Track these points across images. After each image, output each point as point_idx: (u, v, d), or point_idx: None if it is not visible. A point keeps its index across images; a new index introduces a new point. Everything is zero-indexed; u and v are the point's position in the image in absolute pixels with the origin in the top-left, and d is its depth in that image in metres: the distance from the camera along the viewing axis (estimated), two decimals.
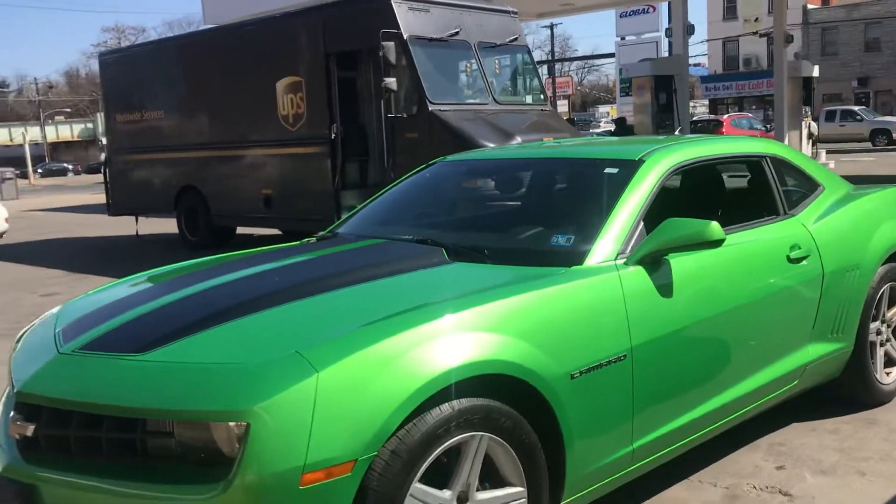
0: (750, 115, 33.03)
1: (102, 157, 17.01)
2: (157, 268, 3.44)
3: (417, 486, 2.18)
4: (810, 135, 21.03)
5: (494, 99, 9.39)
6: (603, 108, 64.99)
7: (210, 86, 11.13)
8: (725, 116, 28.37)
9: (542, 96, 10.40)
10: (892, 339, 4.10)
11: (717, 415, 3.13)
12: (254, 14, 19.57)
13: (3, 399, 2.83)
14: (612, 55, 44.55)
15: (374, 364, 2.13)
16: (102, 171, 14.28)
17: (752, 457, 3.53)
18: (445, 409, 2.21)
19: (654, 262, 2.87)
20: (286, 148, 10.14)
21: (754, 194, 3.75)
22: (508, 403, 2.37)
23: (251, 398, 2.01)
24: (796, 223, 3.62)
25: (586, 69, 78.37)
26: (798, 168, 3.90)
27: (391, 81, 8.53)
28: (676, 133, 8.81)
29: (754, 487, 3.25)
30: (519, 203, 3.46)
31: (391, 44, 8.50)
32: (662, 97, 16.81)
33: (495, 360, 2.32)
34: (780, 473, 3.37)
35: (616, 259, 2.84)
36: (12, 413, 2.37)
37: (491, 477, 2.40)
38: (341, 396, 2.06)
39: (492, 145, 8.25)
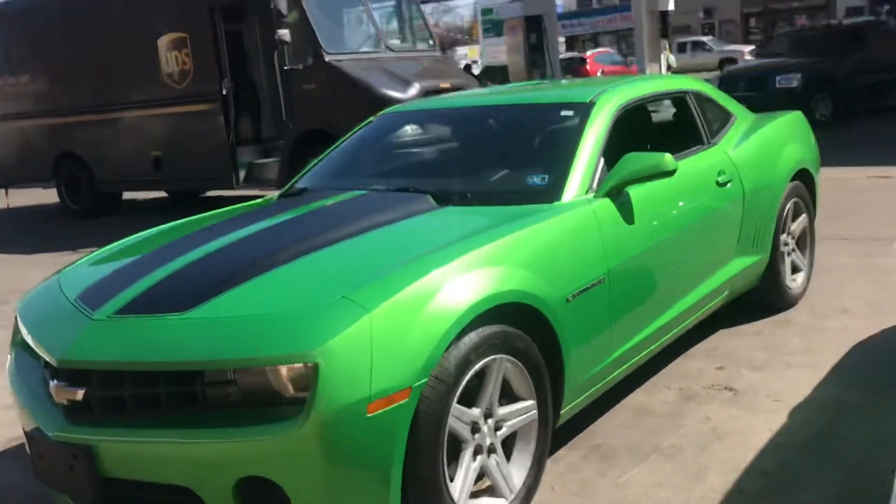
0: (611, 50, 34.24)
1: None
2: (142, 232, 3.50)
3: (456, 407, 2.45)
4: (669, 66, 22.15)
5: (387, 46, 9.49)
6: (461, 50, 65.22)
7: (88, 46, 10.61)
8: (589, 53, 29.33)
9: (430, 42, 10.56)
10: (796, 249, 4.65)
11: (672, 325, 3.55)
12: None
13: (13, 370, 2.90)
14: None
15: (414, 302, 2.36)
16: None
17: (694, 362, 3.99)
18: (473, 336, 2.47)
19: (618, 194, 3.20)
20: (174, 107, 9.87)
21: (682, 126, 4.14)
22: (518, 328, 2.66)
23: (316, 341, 2.20)
24: (719, 151, 4.04)
25: (441, 10, 78.46)
26: (714, 101, 4.33)
27: (285, 33, 8.48)
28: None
29: (703, 387, 3.70)
30: (484, 148, 3.70)
31: None
32: (533, 37, 17.21)
33: (509, 290, 2.59)
34: (722, 373, 3.84)
35: (587, 193, 3.15)
36: (54, 381, 2.45)
37: (506, 394, 2.70)
38: (392, 332, 2.29)
39: (391, 92, 8.42)
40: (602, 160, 3.31)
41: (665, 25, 21.20)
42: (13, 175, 12.12)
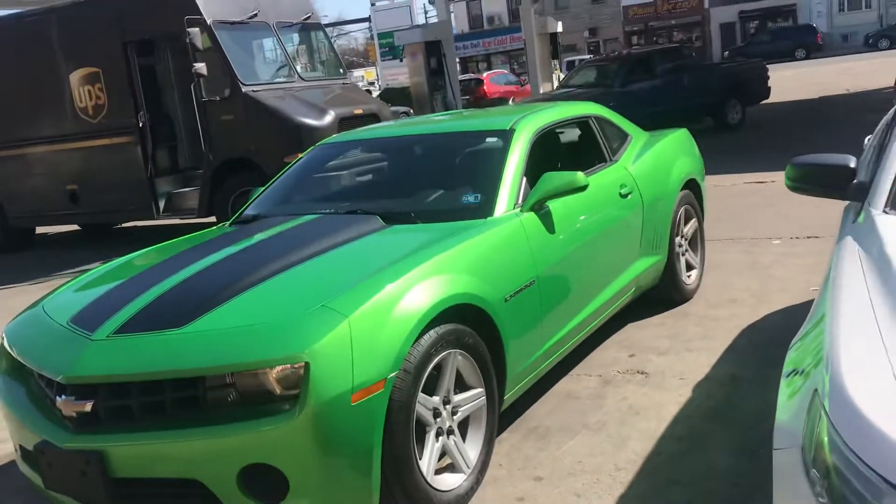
0: (505, 71, 35.34)
1: None
2: (115, 259, 3.79)
3: (421, 395, 2.87)
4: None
5: (300, 76, 9.84)
6: (357, 73, 65.76)
7: (7, 80, 10.44)
8: (485, 74, 30.24)
9: (340, 70, 10.97)
10: (689, 250, 5.28)
11: (591, 318, 4.07)
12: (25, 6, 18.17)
13: (5, 394, 3.15)
14: (366, 19, 45.40)
15: (383, 307, 2.78)
16: None
17: (608, 352, 4.54)
18: (433, 334, 2.90)
19: (540, 208, 3.71)
20: (89, 140, 9.92)
21: (587, 146, 4.70)
22: (467, 325, 3.10)
23: (305, 343, 2.58)
24: (620, 167, 4.62)
25: (335, 34, 78.95)
26: (613, 123, 4.92)
27: (201, 66, 8.71)
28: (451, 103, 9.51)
29: (619, 372, 4.24)
30: (420, 172, 4.14)
31: (196, 29, 8.69)
32: (433, 61, 17.85)
33: (459, 293, 3.04)
34: (633, 360, 4.39)
35: (514, 208, 3.64)
36: (61, 397, 2.75)
37: (459, 383, 3.14)
38: (366, 333, 2.69)
39: (308, 121, 8.80)
40: (524, 179, 3.81)
41: (555, 46, 22.29)
42: None
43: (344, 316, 2.68)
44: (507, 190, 3.69)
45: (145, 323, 2.85)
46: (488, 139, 4.01)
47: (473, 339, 3.11)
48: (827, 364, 1.83)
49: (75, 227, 12.19)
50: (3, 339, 3.33)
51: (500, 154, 3.86)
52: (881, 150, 3.13)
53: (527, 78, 23.60)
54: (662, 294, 5.07)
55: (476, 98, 26.45)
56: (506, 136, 3.98)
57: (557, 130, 4.70)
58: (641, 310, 5.07)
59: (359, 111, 9.41)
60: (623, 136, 4.95)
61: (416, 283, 2.93)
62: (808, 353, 2.08)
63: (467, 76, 30.08)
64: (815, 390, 1.81)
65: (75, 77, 9.84)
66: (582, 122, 4.71)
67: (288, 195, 4.32)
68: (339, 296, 2.78)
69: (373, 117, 9.59)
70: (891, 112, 3.75)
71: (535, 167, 4.06)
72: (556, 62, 22.46)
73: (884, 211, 2.64)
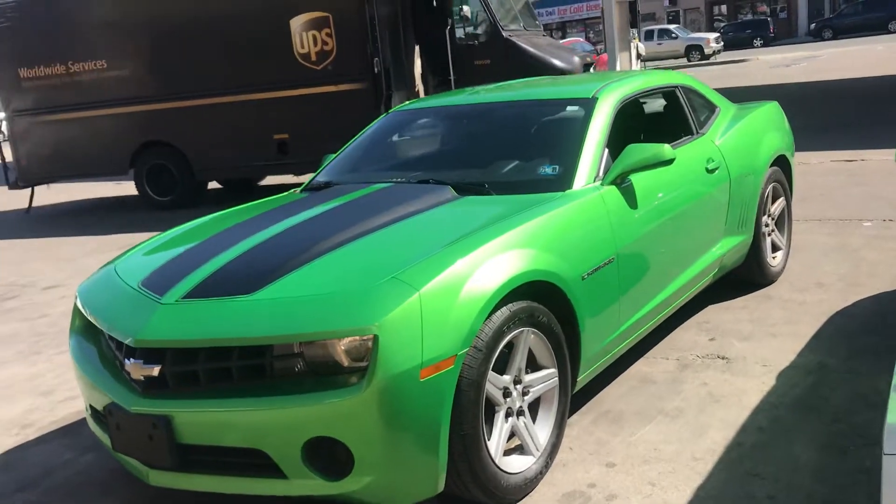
0: (581, 39, 34.67)
1: None
2: (181, 225, 3.78)
3: (491, 373, 2.76)
4: (639, 55, 22.60)
5: (524, 26, 10.17)
6: None
7: (187, 29, 10.22)
8: (562, 42, 29.69)
9: (536, 22, 11.24)
10: (775, 230, 5.02)
11: (671, 299, 3.89)
12: None
13: (78, 353, 3.16)
14: None
15: (454, 282, 2.66)
16: None
17: (687, 334, 4.35)
18: (505, 311, 2.78)
19: (622, 182, 3.53)
20: (309, 87, 9.64)
21: (673, 118, 4.48)
22: (541, 303, 2.97)
23: (374, 316, 2.49)
24: (707, 140, 4.39)
25: None
26: (700, 94, 4.68)
27: (467, 10, 9.05)
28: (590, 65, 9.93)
29: (697, 356, 4.05)
30: (495, 142, 3.99)
31: None
32: None
33: (534, 269, 2.90)
34: (713, 343, 4.19)
35: (594, 181, 3.48)
36: (130, 360, 2.73)
37: (531, 363, 3.01)
38: (437, 308, 2.59)
39: (563, 64, 9.48)
40: (606, 151, 3.63)
41: (634, 15, 21.69)
42: (68, 169, 11.54)
43: (415, 289, 2.58)
44: (587, 162, 3.52)
45: (215, 288, 2.80)
46: (569, 108, 3.84)
47: (547, 318, 2.98)
48: None
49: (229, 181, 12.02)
50: (76, 298, 3.33)
51: (582, 124, 3.69)
52: None
53: (603, 47, 23.04)
54: (746, 275, 4.84)
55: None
56: (588, 104, 3.80)
57: (641, 100, 4.48)
58: (723, 291, 4.85)
59: (587, 59, 10.16)
60: (711, 108, 4.71)
61: (489, 257, 2.80)
62: None
63: None
64: None
65: (298, 22, 9.61)
66: (668, 92, 4.48)
67: (360, 162, 4.23)
68: (409, 267, 2.68)
69: (586, 66, 10.36)
70: None
71: (618, 138, 3.87)
72: (634, 31, 21.88)
73: None
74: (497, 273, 2.78)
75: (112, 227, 10.05)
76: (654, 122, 4.71)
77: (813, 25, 41.17)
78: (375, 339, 2.47)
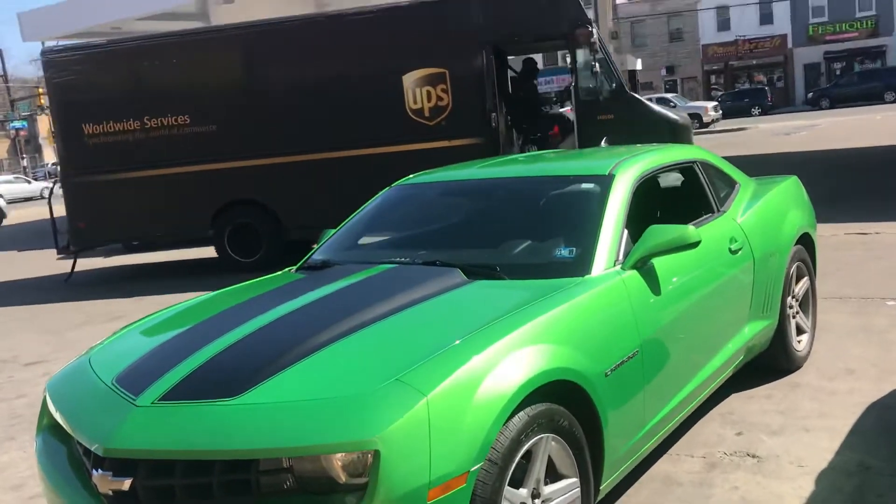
0: None
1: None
2: (169, 307, 3.47)
3: (507, 488, 2.43)
4: None
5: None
6: None
7: (288, 85, 10.03)
8: (568, 108, 29.86)
9: None
10: (800, 312, 4.73)
11: (696, 392, 3.58)
12: (74, 31, 18.53)
13: (44, 456, 2.83)
14: None
15: (466, 384, 2.36)
16: (49, 197, 11.70)
17: (711, 427, 4.01)
18: (523, 416, 2.47)
19: (643, 266, 3.25)
20: (421, 143, 9.53)
21: (692, 194, 4.23)
22: (561, 405, 2.66)
23: (375, 427, 2.18)
24: (729, 219, 4.13)
25: None
26: (720, 169, 4.44)
27: (594, 67, 9.32)
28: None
29: (725, 454, 3.72)
30: (505, 220, 3.73)
31: (587, 34, 9.25)
32: None
33: (555, 367, 2.61)
34: (741, 439, 3.86)
35: (615, 265, 3.20)
36: (97, 471, 2.40)
37: (550, 472, 2.69)
38: (447, 416, 2.28)
39: (679, 119, 10.05)
40: (626, 232, 3.36)
41: (634, 84, 21.87)
42: (132, 232, 10.81)
43: (421, 394, 2.27)
44: (606, 244, 3.25)
45: (195, 389, 2.49)
46: (584, 185, 3.59)
47: (568, 422, 2.66)
48: None
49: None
50: (45, 393, 3.02)
51: (599, 202, 3.43)
52: None
53: None
54: (770, 361, 4.52)
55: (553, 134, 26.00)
56: (604, 181, 3.54)
57: (658, 176, 4.24)
58: (745, 378, 4.52)
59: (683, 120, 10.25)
60: (731, 184, 4.46)
61: (505, 354, 2.51)
62: None
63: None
64: None
65: (410, 78, 9.61)
66: (686, 168, 4.24)
67: (359, 239, 3.96)
68: (415, 368, 2.38)
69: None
70: None
71: (634, 217, 3.61)
72: None
73: None
74: (514, 373, 2.48)
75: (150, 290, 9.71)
76: (670, 199, 4.46)
77: (810, 94, 41.64)
78: (377, 453, 2.16)
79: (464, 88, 9.54)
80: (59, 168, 10.87)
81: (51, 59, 10.51)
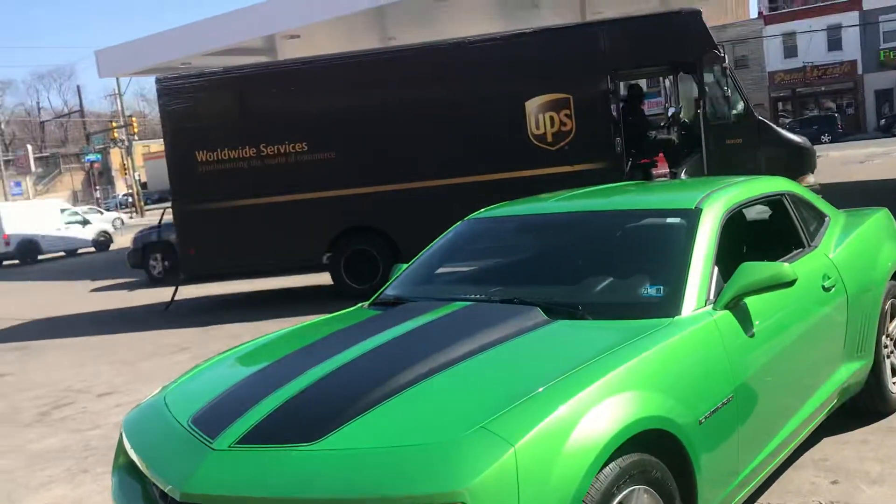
0: None
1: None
2: (243, 344, 3.43)
3: None
4: None
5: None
6: None
7: (410, 112, 10.07)
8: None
9: None
10: (894, 351, 4.47)
11: (790, 439, 3.37)
12: (147, 67, 19.11)
13: (119, 496, 2.79)
14: None
15: (556, 433, 2.24)
16: (159, 223, 12.09)
17: (804, 475, 3.78)
18: (615, 467, 2.33)
19: (735, 306, 3.08)
20: (543, 168, 9.57)
21: (781, 229, 4.03)
22: (653, 454, 2.51)
23: (463, 479, 2.07)
24: (821, 254, 3.92)
25: None
26: (808, 201, 4.23)
27: (725, 91, 9.43)
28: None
29: None
30: (585, 256, 3.60)
31: (718, 57, 9.40)
32: None
33: (648, 416, 2.46)
34: (837, 488, 3.63)
35: (706, 305, 3.03)
36: None
37: None
38: (536, 467, 2.16)
39: (807, 144, 9.99)
40: (716, 269, 3.20)
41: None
42: (247, 261, 10.59)
43: (509, 443, 2.15)
44: (696, 282, 3.09)
45: (274, 432, 2.42)
46: (669, 219, 3.44)
47: (661, 472, 2.51)
48: None
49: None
50: (122, 431, 2.99)
51: (686, 238, 3.27)
52: None
53: None
54: (863, 404, 4.27)
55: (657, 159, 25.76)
56: (691, 216, 3.39)
57: (745, 210, 4.06)
58: (837, 421, 4.27)
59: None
60: (820, 218, 4.25)
61: (595, 401, 2.37)
62: None
63: None
64: None
65: (533, 104, 9.75)
66: (775, 200, 4.05)
67: (433, 275, 3.87)
68: (501, 415, 2.26)
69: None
70: None
71: (721, 254, 3.44)
72: None
73: None
74: (605, 421, 2.34)
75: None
76: (757, 233, 4.27)
77: (882, 121, 40.45)
78: None
79: (587, 113, 9.65)
80: (171, 195, 10.91)
81: (165, 87, 10.53)
